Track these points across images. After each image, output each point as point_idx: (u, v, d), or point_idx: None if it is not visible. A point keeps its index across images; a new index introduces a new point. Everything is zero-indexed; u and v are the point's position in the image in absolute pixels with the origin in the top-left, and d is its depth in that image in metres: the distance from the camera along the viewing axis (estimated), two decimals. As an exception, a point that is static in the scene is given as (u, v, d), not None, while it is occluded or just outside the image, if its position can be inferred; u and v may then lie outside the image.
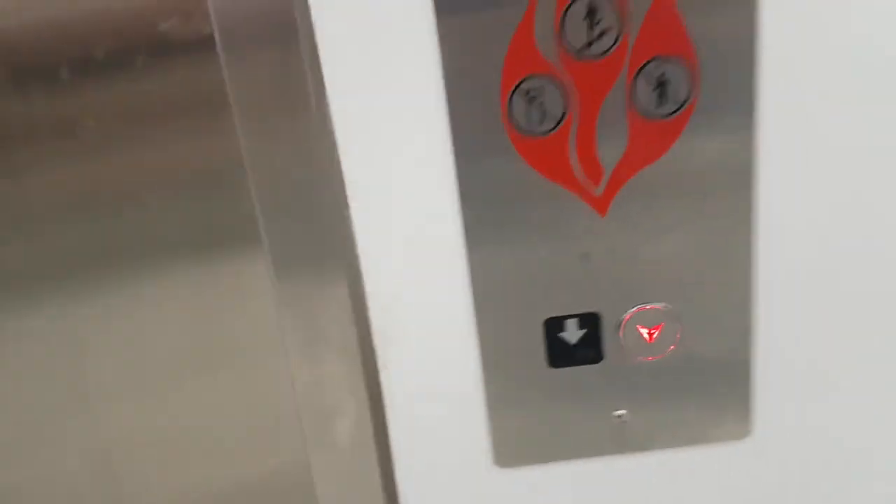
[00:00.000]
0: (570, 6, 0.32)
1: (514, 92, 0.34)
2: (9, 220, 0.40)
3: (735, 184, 0.35)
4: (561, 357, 0.38)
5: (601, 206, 0.36)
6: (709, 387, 0.39)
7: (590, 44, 0.33)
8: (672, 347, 0.38)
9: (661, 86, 0.33)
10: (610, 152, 0.35)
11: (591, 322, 0.38)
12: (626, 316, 0.38)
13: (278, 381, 0.42)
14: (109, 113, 0.38)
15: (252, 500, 0.47)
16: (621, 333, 0.38)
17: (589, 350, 0.38)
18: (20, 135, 0.38)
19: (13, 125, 0.38)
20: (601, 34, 0.32)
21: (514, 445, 0.41)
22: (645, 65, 0.33)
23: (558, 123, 0.34)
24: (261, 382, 0.43)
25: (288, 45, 0.35)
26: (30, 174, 0.39)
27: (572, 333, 0.38)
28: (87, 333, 0.42)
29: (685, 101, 0.34)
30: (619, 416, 0.40)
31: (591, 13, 0.32)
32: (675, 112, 0.34)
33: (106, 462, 0.46)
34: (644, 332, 0.38)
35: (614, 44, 0.33)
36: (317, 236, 0.38)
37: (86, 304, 0.41)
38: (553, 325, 0.38)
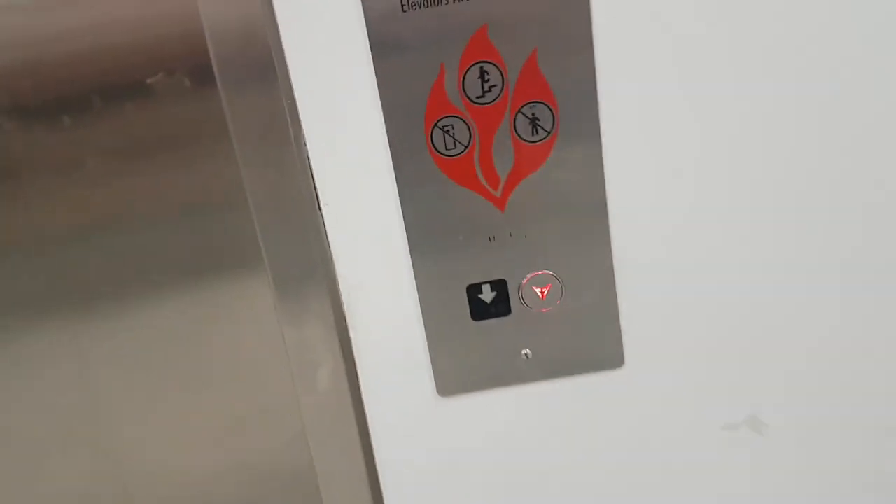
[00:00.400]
0: (468, 70, 0.37)
1: (434, 127, 0.38)
2: (19, 245, 0.40)
3: (591, 185, 0.40)
4: (480, 312, 0.42)
5: (500, 203, 0.40)
6: (589, 329, 0.42)
7: (483, 94, 0.38)
8: (559, 301, 0.42)
9: (534, 121, 0.38)
10: (503, 166, 0.39)
11: (500, 286, 0.41)
12: (525, 280, 0.41)
13: (274, 380, 0.44)
14: (113, 146, 0.39)
15: (253, 474, 0.47)
16: (522, 293, 0.42)
17: (500, 306, 0.42)
18: (30, 165, 0.39)
19: (22, 154, 0.38)
20: (490, 88, 0.38)
21: (451, 379, 0.44)
22: (522, 107, 0.38)
23: (466, 148, 0.39)
24: (259, 379, 0.45)
25: (270, 86, 0.37)
26: (39, 201, 0.39)
27: (487, 295, 0.42)
28: (93, 352, 0.43)
29: (551, 131, 0.38)
30: (525, 355, 0.43)
31: (483, 74, 0.37)
32: (544, 138, 0.39)
33: (116, 475, 0.45)
34: (538, 291, 0.41)
35: (500, 94, 0.38)
36: (300, 238, 0.41)
37: (92, 325, 0.42)
38: (473, 290, 0.42)
